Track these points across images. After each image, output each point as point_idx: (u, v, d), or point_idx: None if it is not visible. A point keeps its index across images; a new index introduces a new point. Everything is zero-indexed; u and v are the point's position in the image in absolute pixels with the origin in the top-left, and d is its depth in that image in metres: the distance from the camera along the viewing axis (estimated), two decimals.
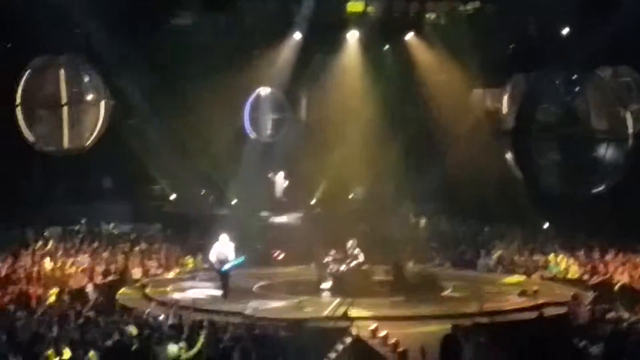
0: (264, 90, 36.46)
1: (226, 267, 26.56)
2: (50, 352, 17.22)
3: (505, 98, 33.77)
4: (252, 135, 36.40)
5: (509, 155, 19.02)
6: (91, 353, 17.36)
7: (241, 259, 26.84)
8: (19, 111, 22.21)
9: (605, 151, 18.00)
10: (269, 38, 36.28)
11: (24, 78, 22.27)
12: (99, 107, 22.33)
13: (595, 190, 19.07)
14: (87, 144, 23.15)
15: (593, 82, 18.44)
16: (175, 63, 35.57)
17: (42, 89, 22.25)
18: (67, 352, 17.28)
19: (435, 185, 38.91)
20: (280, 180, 35.81)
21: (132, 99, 35.08)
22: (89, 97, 22.35)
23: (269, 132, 36.91)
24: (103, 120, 22.38)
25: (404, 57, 38.12)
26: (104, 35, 32.44)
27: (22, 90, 22.21)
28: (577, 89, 18.25)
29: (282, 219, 34.60)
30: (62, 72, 22.16)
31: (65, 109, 21.90)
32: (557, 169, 18.09)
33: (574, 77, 18.12)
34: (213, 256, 26.77)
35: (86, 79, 22.38)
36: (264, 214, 34.03)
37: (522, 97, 18.45)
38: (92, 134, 22.53)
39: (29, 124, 22.36)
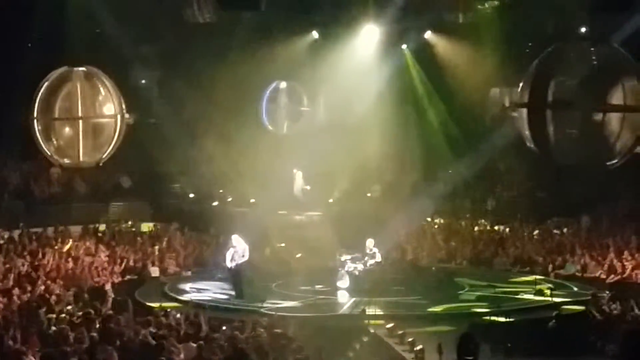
0: (282, 83, 36.62)
1: (236, 265, 26.63)
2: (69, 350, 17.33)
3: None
4: (269, 127, 36.55)
5: (524, 129, 18.97)
6: None
7: (247, 257, 26.87)
8: (35, 124, 22.29)
9: (621, 125, 17.93)
10: (288, 34, 36.39)
11: (41, 91, 22.35)
12: (115, 122, 22.36)
13: (609, 163, 19.02)
14: (102, 158, 23.23)
15: (608, 54, 18.36)
16: (194, 59, 35.70)
17: (58, 102, 22.31)
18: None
19: (453, 183, 38.96)
20: (299, 179, 35.87)
21: (150, 97, 35.24)
22: (106, 111, 22.38)
23: (286, 124, 37.01)
24: (118, 135, 22.40)
25: (423, 54, 38.16)
26: (123, 33, 32.68)
27: (39, 103, 22.30)
28: (591, 61, 18.17)
29: (300, 217, 34.65)
30: (78, 85, 22.19)
31: (81, 122, 21.95)
32: (573, 142, 18.02)
33: (589, 50, 18.06)
34: (228, 255, 26.88)
35: (103, 93, 22.41)
36: (282, 212, 34.06)
37: (536, 70, 18.34)
38: (107, 149, 22.57)
39: (45, 137, 22.44)
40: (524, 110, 18.57)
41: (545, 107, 18.17)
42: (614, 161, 18.98)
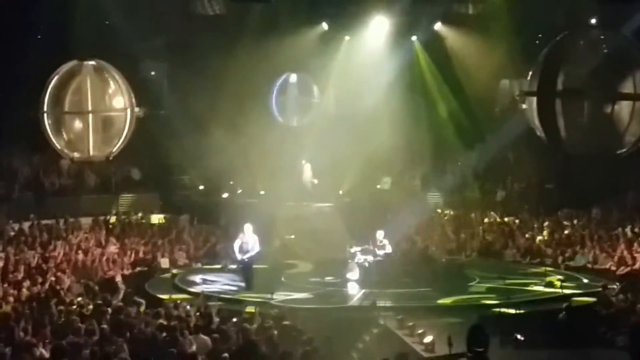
0: (292, 75, 36.66)
1: (246, 257, 26.66)
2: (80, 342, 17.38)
3: None
4: (279, 119, 36.57)
5: (533, 119, 18.91)
6: None
7: (258, 249, 26.89)
8: (45, 118, 22.28)
9: (631, 112, 17.87)
10: (297, 25, 36.40)
11: (51, 85, 22.33)
12: (125, 116, 22.33)
13: (619, 152, 18.95)
14: (112, 152, 23.21)
15: (618, 43, 18.29)
16: (203, 51, 35.73)
17: (68, 96, 22.28)
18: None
19: (463, 175, 38.96)
20: (308, 171, 35.89)
21: (160, 89, 35.26)
22: (116, 105, 22.35)
23: (295, 116, 37.03)
24: (129, 129, 22.38)
25: (433, 46, 38.12)
26: (132, 26, 32.73)
27: (49, 97, 22.27)
28: (601, 50, 18.11)
29: (310, 209, 34.66)
30: (88, 79, 22.16)
31: (90, 116, 21.92)
32: (582, 130, 17.97)
33: (599, 38, 17.99)
34: (236, 246, 26.90)
35: (113, 86, 22.38)
36: (290, 203, 34.09)
37: (546, 59, 18.28)
38: (117, 142, 22.55)
39: (55, 131, 22.44)
40: (534, 100, 18.48)
41: (555, 96, 18.07)
42: (623, 150, 18.90)
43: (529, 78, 18.92)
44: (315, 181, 35.51)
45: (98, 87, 22.14)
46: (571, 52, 18.40)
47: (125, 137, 22.61)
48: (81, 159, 23.93)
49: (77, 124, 22.25)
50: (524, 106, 27.74)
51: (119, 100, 22.34)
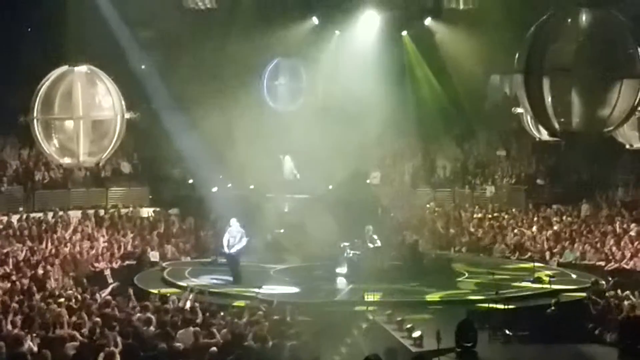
0: (282, 60, 36.66)
1: (233, 250, 26.73)
2: (68, 335, 17.37)
3: None
4: (270, 104, 36.55)
5: (520, 96, 18.87)
6: None
7: (245, 241, 26.94)
8: (35, 124, 22.19)
9: (619, 90, 17.80)
10: (288, 19, 36.40)
11: (41, 90, 22.22)
12: (115, 122, 22.24)
13: (606, 130, 18.91)
14: (102, 158, 23.10)
15: (608, 20, 18.22)
16: (194, 44, 35.70)
17: (58, 102, 22.14)
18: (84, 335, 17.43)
19: (453, 170, 38.98)
20: (289, 163, 35.95)
21: (150, 82, 35.15)
22: (106, 111, 22.22)
23: (286, 102, 36.96)
24: (119, 134, 22.30)
25: (423, 41, 38.13)
26: (122, 18, 32.68)
27: (39, 103, 22.15)
28: (590, 28, 18.03)
29: (291, 200, 34.68)
30: (79, 84, 22.05)
31: (81, 122, 21.82)
32: (570, 109, 17.89)
33: (587, 16, 17.90)
34: (224, 240, 26.95)
35: (103, 92, 22.27)
36: (270, 195, 34.11)
37: (533, 36, 18.23)
38: (107, 149, 22.47)
39: (45, 137, 22.32)
40: (521, 78, 18.46)
41: (542, 73, 18.04)
42: (610, 128, 18.89)
43: (517, 57, 18.88)
44: (297, 175, 35.57)
45: (88, 92, 22.01)
46: (559, 30, 18.33)
47: (116, 142, 22.52)
48: (71, 166, 23.80)
49: (67, 130, 22.12)
50: (519, 110, 27.80)
51: (110, 105, 22.22)
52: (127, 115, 22.73)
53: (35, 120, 22.26)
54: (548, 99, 18.23)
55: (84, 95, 22.07)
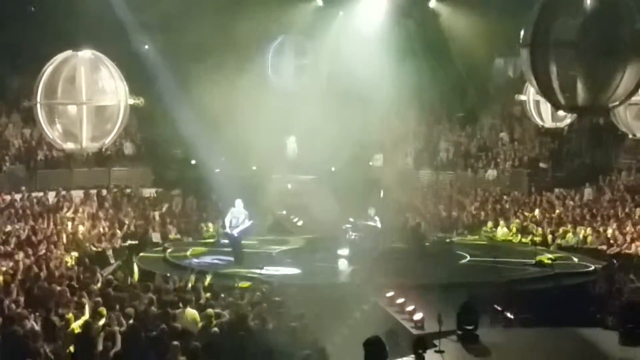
0: (287, 37, 36.53)
1: (236, 231, 26.70)
2: (70, 314, 17.38)
3: None
4: (274, 82, 36.43)
5: (526, 71, 18.81)
6: None
7: (249, 223, 26.91)
8: (38, 108, 22.14)
9: (625, 66, 17.74)
10: (292, 1, 36.34)
11: (45, 75, 22.15)
12: (119, 107, 22.19)
13: (613, 105, 18.84)
14: (105, 143, 23.06)
15: None
16: (196, 25, 35.58)
17: (61, 86, 22.10)
18: (85, 315, 17.44)
19: (455, 153, 38.94)
20: (292, 144, 35.90)
21: (152, 63, 35.08)
22: (109, 96, 22.17)
23: (290, 78, 36.83)
24: (122, 120, 22.26)
25: (428, 23, 38.02)
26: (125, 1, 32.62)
27: (42, 87, 22.09)
28: (596, 3, 17.94)
29: (296, 183, 34.66)
30: (82, 69, 21.99)
31: (84, 107, 21.76)
32: (576, 82, 17.83)
33: None
34: (227, 221, 26.92)
35: (107, 77, 22.19)
36: (276, 176, 34.08)
37: (540, 10, 18.14)
38: (110, 134, 22.43)
39: (48, 122, 22.28)
40: (527, 52, 18.40)
41: (549, 47, 17.99)
42: (615, 103, 18.82)
43: (522, 31, 18.82)
44: (300, 155, 35.64)
45: (92, 77, 21.95)
46: (565, 4, 18.27)
47: (119, 128, 22.49)
48: (74, 151, 23.76)
49: (71, 115, 22.08)
50: (522, 97, 27.66)
51: (113, 89, 22.18)
52: (130, 101, 22.72)
53: (38, 105, 22.26)
54: (553, 73, 18.19)
55: (87, 80, 22.05)
